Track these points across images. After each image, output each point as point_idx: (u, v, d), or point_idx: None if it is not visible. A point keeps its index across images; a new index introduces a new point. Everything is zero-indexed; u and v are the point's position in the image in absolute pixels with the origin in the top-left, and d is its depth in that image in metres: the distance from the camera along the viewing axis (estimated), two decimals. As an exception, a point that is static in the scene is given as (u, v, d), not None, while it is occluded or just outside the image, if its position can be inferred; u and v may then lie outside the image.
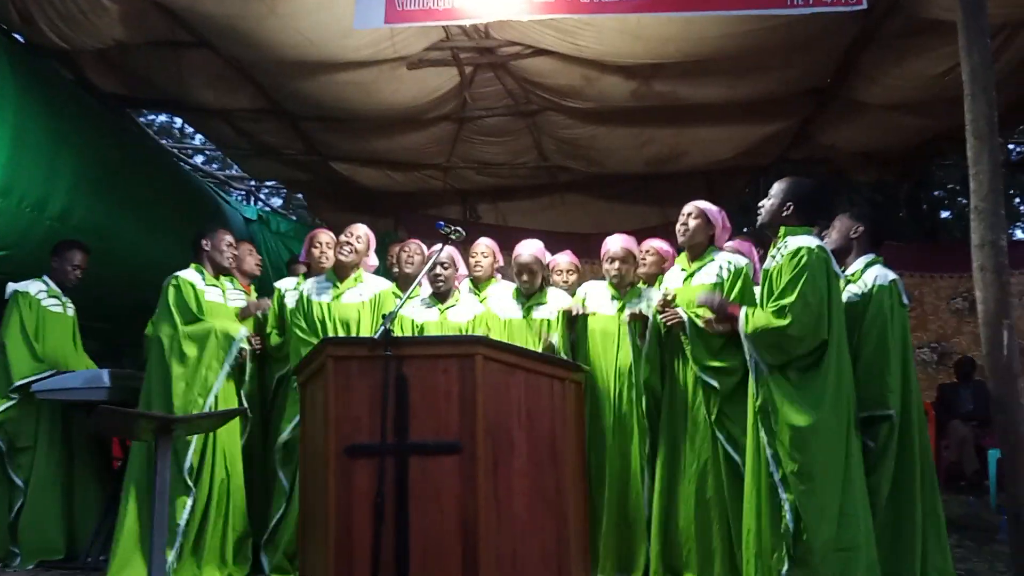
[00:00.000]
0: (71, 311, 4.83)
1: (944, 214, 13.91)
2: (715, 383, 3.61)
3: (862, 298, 3.41)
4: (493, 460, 2.74)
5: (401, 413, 2.70)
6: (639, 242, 4.43)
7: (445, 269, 4.33)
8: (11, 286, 4.62)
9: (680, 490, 3.75)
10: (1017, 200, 14.68)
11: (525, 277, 4.36)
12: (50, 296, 4.70)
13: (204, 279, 4.26)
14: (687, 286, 3.86)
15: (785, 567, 3.05)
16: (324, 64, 5.50)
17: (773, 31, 4.92)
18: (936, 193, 13.32)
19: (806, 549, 3.02)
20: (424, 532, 2.65)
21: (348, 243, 4.37)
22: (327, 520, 2.68)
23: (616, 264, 4.25)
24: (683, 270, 3.97)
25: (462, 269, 4.54)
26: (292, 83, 5.87)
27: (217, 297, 4.26)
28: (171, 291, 4.13)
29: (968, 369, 7.65)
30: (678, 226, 3.97)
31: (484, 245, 4.74)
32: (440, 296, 4.36)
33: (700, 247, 3.94)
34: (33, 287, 4.65)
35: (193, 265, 4.31)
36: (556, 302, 4.34)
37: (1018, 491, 3.34)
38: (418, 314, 4.35)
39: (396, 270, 4.93)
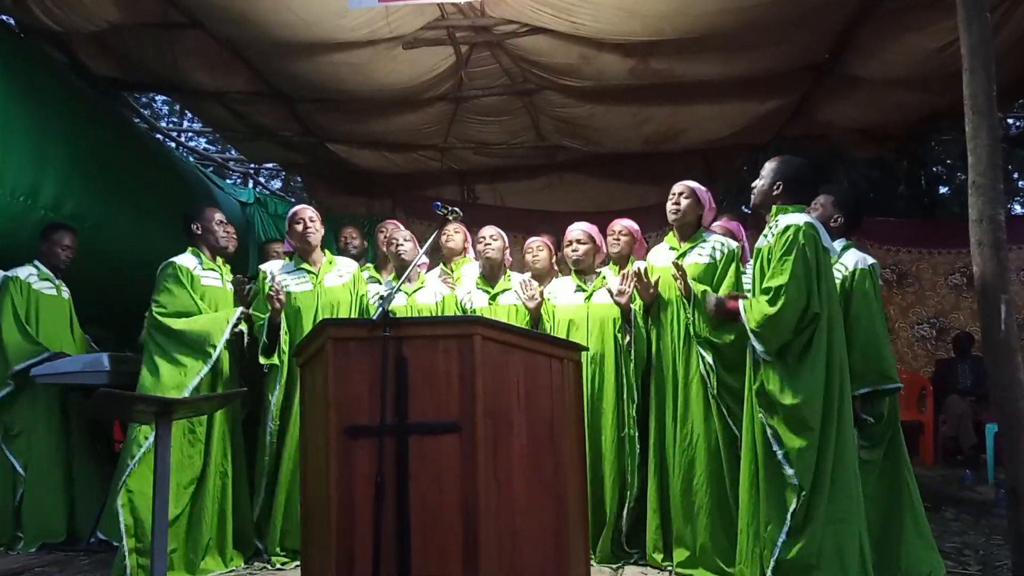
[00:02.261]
0: (66, 294, 4.83)
1: (942, 190, 13.85)
2: (713, 357, 3.67)
3: (843, 281, 3.51)
4: (492, 440, 2.74)
5: (401, 394, 2.70)
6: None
7: (406, 241, 4.44)
8: (1, 272, 4.61)
9: (671, 468, 3.82)
10: (1016, 175, 14.64)
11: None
12: (42, 279, 4.70)
13: (202, 263, 4.18)
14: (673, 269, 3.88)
15: (782, 538, 3.09)
16: (319, 44, 5.45)
17: (770, 7, 4.88)
18: (935, 169, 13.25)
19: (803, 522, 3.06)
20: (425, 512, 2.65)
21: (313, 222, 4.36)
22: (328, 500, 2.68)
23: (573, 246, 4.32)
24: (672, 249, 4.01)
25: (421, 256, 4.56)
26: (287, 64, 5.82)
27: (215, 281, 4.20)
28: (166, 277, 4.05)
29: (966, 344, 7.69)
30: (669, 205, 4.03)
31: (495, 229, 4.74)
32: (399, 271, 4.46)
33: (691, 227, 4.03)
34: (23, 271, 4.65)
35: (190, 249, 4.23)
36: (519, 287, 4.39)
37: (1016, 466, 3.35)
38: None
39: (355, 250, 5.11)
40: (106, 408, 3.12)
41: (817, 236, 3.26)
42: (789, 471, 3.11)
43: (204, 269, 4.17)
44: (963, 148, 3.63)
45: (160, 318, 3.96)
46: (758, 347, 3.26)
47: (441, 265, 4.73)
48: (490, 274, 4.48)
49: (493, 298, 4.39)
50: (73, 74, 6.04)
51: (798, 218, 3.29)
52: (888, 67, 5.92)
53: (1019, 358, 3.40)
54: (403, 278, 3.45)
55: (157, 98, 15.24)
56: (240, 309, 4.14)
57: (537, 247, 4.59)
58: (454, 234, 4.75)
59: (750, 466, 3.30)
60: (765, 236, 3.41)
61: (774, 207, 3.43)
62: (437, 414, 2.72)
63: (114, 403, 2.82)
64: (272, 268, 4.51)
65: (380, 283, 4.61)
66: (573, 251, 4.33)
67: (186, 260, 4.14)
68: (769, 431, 3.18)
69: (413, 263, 3.88)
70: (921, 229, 8.97)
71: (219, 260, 4.31)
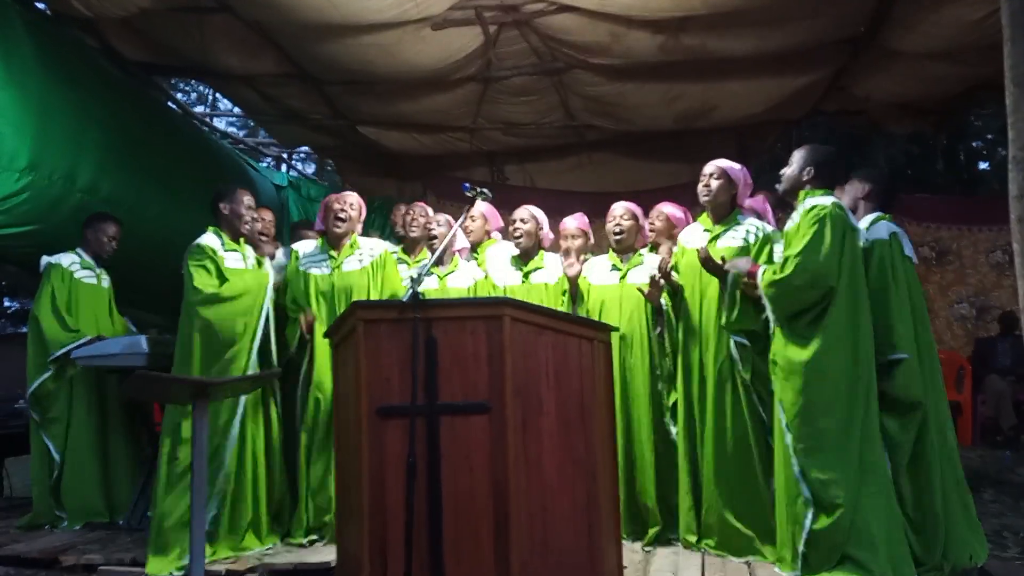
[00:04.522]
0: (106, 282, 4.90)
1: (982, 165, 13.55)
2: (747, 342, 3.65)
3: (863, 253, 3.44)
4: (522, 420, 2.75)
5: (431, 374, 2.72)
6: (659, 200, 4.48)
7: (439, 227, 4.42)
8: (45, 259, 4.70)
9: (701, 454, 3.80)
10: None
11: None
12: (83, 268, 4.78)
13: (223, 244, 4.11)
14: (711, 248, 3.84)
15: (810, 512, 3.11)
16: (347, 26, 5.46)
17: (804, -20, 4.79)
18: (974, 144, 12.97)
19: (825, 494, 3.07)
20: (456, 491, 2.68)
21: (343, 210, 4.33)
22: (360, 480, 2.71)
23: (616, 221, 4.25)
24: (706, 231, 3.96)
25: (461, 240, 4.57)
26: (315, 46, 5.84)
27: (237, 263, 4.12)
28: (192, 260, 4.00)
29: (1011, 323, 7.52)
30: (700, 187, 3.97)
31: (527, 212, 4.73)
32: (440, 260, 4.44)
33: (723, 208, 3.95)
34: (66, 259, 4.73)
35: (211, 228, 4.16)
36: (553, 267, 4.38)
37: (1056, 446, 3.29)
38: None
39: (401, 232, 5.02)
40: (142, 390, 3.17)
41: (845, 216, 3.29)
42: (788, 437, 3.15)
43: (226, 251, 4.11)
44: (1004, 122, 3.53)
45: (202, 290, 3.93)
46: (768, 311, 3.32)
47: (471, 256, 4.72)
48: (523, 254, 4.47)
49: (526, 276, 4.39)
50: (106, 59, 6.11)
51: (825, 199, 3.34)
52: (927, 39, 5.78)
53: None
54: (433, 258, 3.46)
55: (193, 86, 15.44)
56: (271, 271, 4.17)
57: (621, 215, 4.36)
58: (471, 222, 4.71)
59: (781, 441, 3.30)
60: (792, 219, 3.44)
61: (801, 192, 3.47)
62: (467, 395, 2.73)
63: (150, 385, 2.87)
64: (304, 248, 4.53)
65: (408, 266, 4.63)
66: (616, 226, 4.24)
67: (210, 240, 4.09)
68: (780, 404, 3.24)
69: (444, 241, 3.86)
70: (961, 206, 8.78)
71: (241, 240, 4.25)
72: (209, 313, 3.92)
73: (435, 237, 4.43)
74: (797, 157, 3.53)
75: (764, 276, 3.36)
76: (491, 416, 2.71)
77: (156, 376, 2.78)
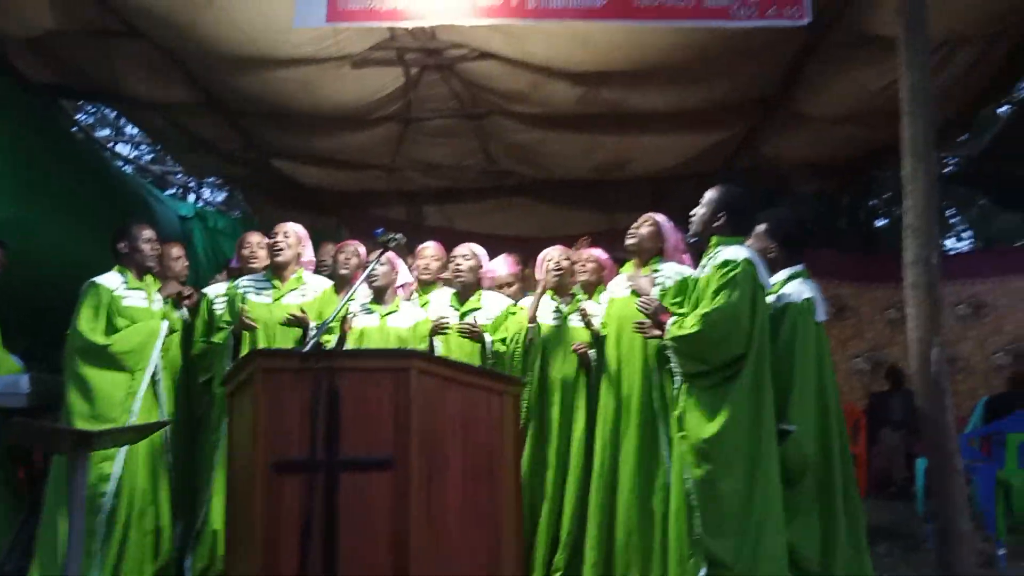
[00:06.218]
0: (-7, 313, 4.60)
1: (879, 223, 14.18)
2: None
3: (775, 312, 3.39)
4: (427, 475, 2.68)
5: (333, 428, 2.62)
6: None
7: (381, 266, 4.25)
8: None
9: (619, 499, 3.77)
10: (952, 211, 15.09)
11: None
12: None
13: (127, 283, 4.00)
14: (633, 296, 3.86)
15: (702, 572, 3.09)
16: (264, 60, 5.34)
17: (720, 40, 4.94)
18: (872, 202, 13.57)
19: (715, 559, 3.06)
20: (354, 551, 2.57)
21: (278, 241, 4.24)
22: (253, 537, 2.58)
23: (556, 261, 4.29)
24: (630, 278, 3.98)
25: (404, 276, 4.45)
26: (231, 78, 5.69)
27: (140, 301, 4.02)
28: (86, 299, 3.88)
29: (899, 377, 7.83)
30: (629, 230, 4.02)
31: (433, 248, 4.71)
32: (376, 295, 4.28)
33: (647, 254, 4.00)
34: None
35: (116, 267, 4.06)
36: (491, 306, 4.37)
37: (945, 506, 3.40)
38: (358, 320, 4.26)
39: (328, 270, 4.87)
40: (22, 436, 2.98)
41: (756, 272, 3.25)
42: (694, 502, 3.13)
43: (129, 289, 4.00)
44: (900, 181, 3.68)
45: (85, 337, 3.79)
46: (672, 361, 3.29)
47: (416, 293, 4.60)
48: (462, 292, 4.44)
49: (463, 316, 4.33)
50: (6, 80, 5.81)
51: (738, 252, 3.28)
52: (833, 103, 6.03)
53: (950, 399, 3.46)
54: (343, 303, 3.33)
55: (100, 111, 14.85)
56: (165, 323, 4.01)
57: (560, 256, 4.41)
58: (433, 262, 4.63)
59: (678, 495, 3.29)
60: (703, 267, 3.40)
61: (714, 238, 3.41)
62: (370, 449, 2.65)
63: (30, 432, 2.68)
64: (215, 291, 4.37)
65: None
66: (557, 266, 4.27)
67: (109, 280, 3.97)
68: (684, 458, 3.20)
69: (357, 283, 3.72)
70: (860, 263, 9.17)
71: (148, 278, 4.15)
72: (87, 365, 3.79)
73: (373, 280, 4.25)
74: (708, 199, 3.47)
75: (670, 329, 3.34)
76: (395, 472, 2.63)
77: (36, 425, 2.59)
